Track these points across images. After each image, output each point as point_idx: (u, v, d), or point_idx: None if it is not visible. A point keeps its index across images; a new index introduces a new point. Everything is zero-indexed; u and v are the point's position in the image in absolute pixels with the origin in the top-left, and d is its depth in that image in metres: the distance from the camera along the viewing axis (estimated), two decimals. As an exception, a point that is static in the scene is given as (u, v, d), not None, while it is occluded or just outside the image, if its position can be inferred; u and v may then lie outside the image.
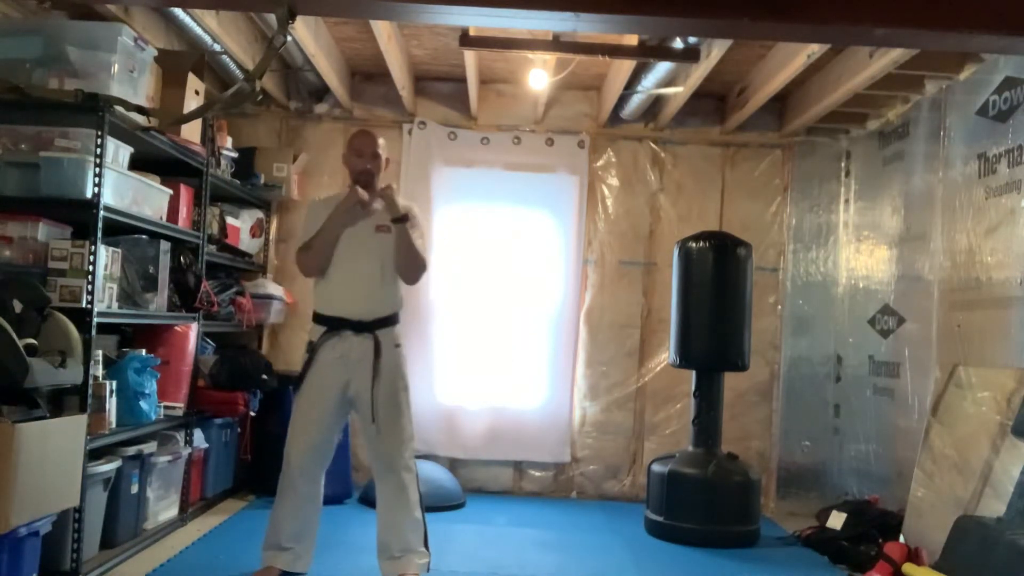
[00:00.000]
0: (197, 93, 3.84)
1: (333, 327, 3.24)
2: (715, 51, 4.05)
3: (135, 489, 3.58)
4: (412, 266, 3.28)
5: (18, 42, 3.27)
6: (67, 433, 2.87)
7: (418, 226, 3.34)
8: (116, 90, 3.21)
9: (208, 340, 4.45)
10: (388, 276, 3.29)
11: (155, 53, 3.54)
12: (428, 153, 5.26)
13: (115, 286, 3.38)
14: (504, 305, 5.26)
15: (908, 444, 4.14)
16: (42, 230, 3.15)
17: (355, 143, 3.34)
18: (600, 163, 5.35)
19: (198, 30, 3.87)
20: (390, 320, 3.29)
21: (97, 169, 3.13)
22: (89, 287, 3.11)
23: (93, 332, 3.11)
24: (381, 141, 3.34)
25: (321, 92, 5.23)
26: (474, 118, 5.33)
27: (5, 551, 2.62)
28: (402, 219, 3.21)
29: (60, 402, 3.06)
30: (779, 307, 5.32)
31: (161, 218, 3.77)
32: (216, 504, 4.46)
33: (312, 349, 3.24)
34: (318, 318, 3.29)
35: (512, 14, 2.51)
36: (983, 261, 3.72)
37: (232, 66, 4.44)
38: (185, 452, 4.01)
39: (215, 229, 4.45)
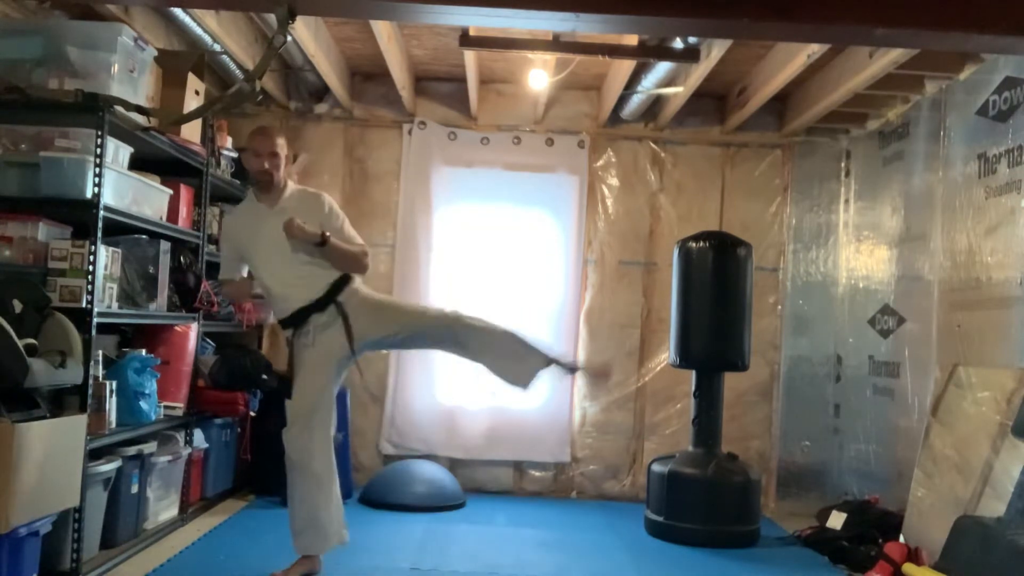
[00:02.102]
0: (197, 93, 3.84)
1: (300, 321, 3.32)
2: (715, 51, 4.05)
3: (135, 489, 3.58)
4: (354, 268, 3.37)
5: (18, 42, 3.27)
6: (67, 433, 2.88)
7: (336, 223, 3.36)
8: (116, 90, 3.21)
9: (208, 340, 4.45)
10: (319, 257, 3.31)
11: (155, 53, 3.54)
12: (428, 153, 5.26)
13: (115, 286, 3.38)
14: (504, 305, 5.25)
15: (908, 444, 4.14)
16: (42, 230, 3.15)
17: (252, 143, 3.33)
18: (600, 163, 5.35)
19: (198, 30, 3.87)
20: (342, 283, 3.33)
21: (97, 169, 3.13)
22: (89, 287, 3.11)
23: (93, 332, 3.11)
24: (280, 140, 3.34)
25: (321, 92, 5.23)
26: (474, 118, 5.33)
27: (5, 551, 2.62)
28: (322, 243, 3.24)
29: (60, 402, 3.07)
30: (779, 307, 5.32)
31: (161, 218, 3.77)
32: (216, 504, 4.46)
33: (290, 346, 3.38)
34: (282, 323, 3.38)
35: (512, 14, 2.51)
36: (983, 261, 3.72)
37: (232, 66, 4.44)
38: (185, 452, 4.01)
39: (215, 229, 4.45)
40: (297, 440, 3.34)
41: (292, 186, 3.43)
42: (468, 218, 5.30)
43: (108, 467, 3.30)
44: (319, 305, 3.30)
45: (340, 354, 3.34)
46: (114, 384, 3.36)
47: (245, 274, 3.49)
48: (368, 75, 5.24)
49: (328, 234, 3.25)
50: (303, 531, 3.31)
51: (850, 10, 2.42)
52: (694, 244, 4.44)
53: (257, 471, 4.78)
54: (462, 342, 3.39)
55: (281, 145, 3.34)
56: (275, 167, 3.30)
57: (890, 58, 3.73)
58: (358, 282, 3.40)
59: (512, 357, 3.36)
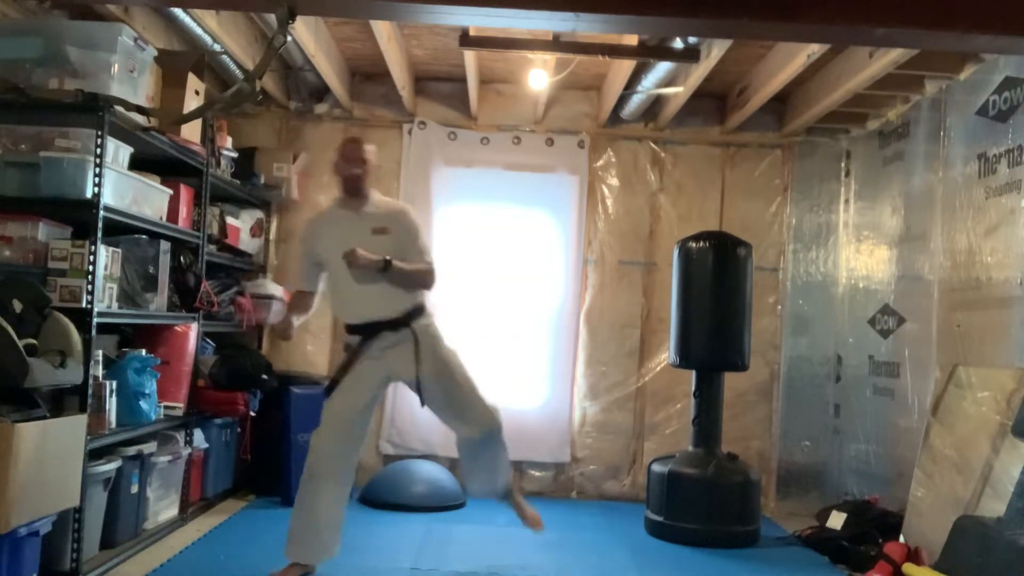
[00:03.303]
0: (197, 93, 3.84)
1: (371, 332, 3.36)
2: (715, 51, 4.05)
3: (135, 489, 3.58)
4: (419, 287, 3.47)
5: (18, 42, 3.27)
6: (67, 433, 2.88)
7: (414, 241, 3.45)
8: (116, 90, 3.21)
9: (208, 340, 4.45)
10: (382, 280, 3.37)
11: (155, 53, 3.54)
12: (428, 153, 5.26)
13: (115, 286, 3.38)
14: (504, 305, 5.26)
15: (908, 444, 4.14)
16: (42, 230, 3.15)
17: (344, 151, 3.43)
18: (600, 163, 5.35)
19: (198, 30, 3.87)
20: (419, 310, 3.43)
21: (97, 169, 3.13)
22: (89, 287, 3.11)
23: (93, 332, 3.11)
24: (371, 147, 3.44)
25: (321, 92, 5.23)
26: (474, 118, 5.33)
27: (5, 551, 2.62)
28: (386, 267, 3.29)
29: (60, 402, 3.07)
30: (779, 307, 5.32)
31: (161, 218, 3.77)
32: (216, 504, 4.46)
33: (352, 352, 3.36)
34: (351, 328, 3.41)
35: (512, 14, 2.51)
36: (983, 261, 3.72)
37: (232, 66, 4.44)
38: (185, 452, 4.01)
39: (215, 229, 4.45)
40: (325, 447, 3.31)
41: (377, 196, 3.51)
42: (468, 218, 5.30)
43: (108, 467, 3.30)
44: (394, 324, 3.36)
45: (394, 376, 3.42)
46: (114, 384, 3.36)
47: (320, 286, 3.51)
48: (368, 75, 5.24)
49: (390, 259, 3.28)
50: (299, 538, 3.28)
51: (850, 10, 2.42)
52: (694, 244, 4.44)
53: (257, 471, 4.78)
54: (474, 441, 3.51)
55: (371, 152, 3.44)
56: (365, 174, 3.40)
57: (890, 58, 3.73)
58: (432, 318, 3.49)
59: (490, 471, 3.57)
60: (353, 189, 3.42)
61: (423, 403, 3.41)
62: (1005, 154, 3.59)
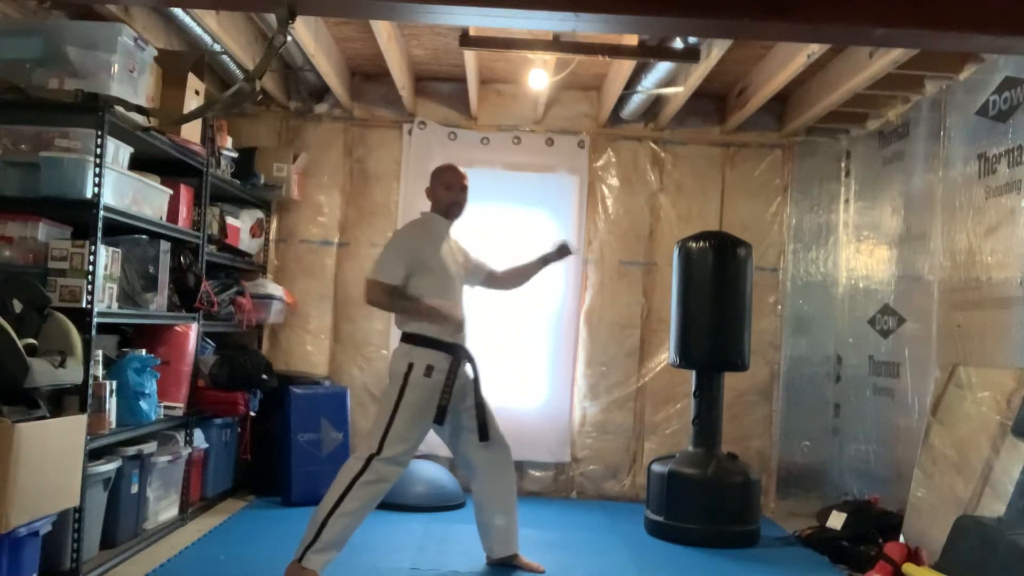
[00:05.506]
0: (197, 93, 3.84)
1: (459, 355, 3.44)
2: (715, 51, 4.05)
3: (135, 489, 3.58)
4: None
5: (18, 42, 3.27)
6: (67, 433, 2.88)
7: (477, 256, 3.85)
8: (116, 90, 3.21)
9: (208, 340, 4.45)
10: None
11: (155, 53, 3.54)
12: (428, 153, 5.26)
13: (115, 286, 3.38)
14: (504, 305, 5.25)
15: (908, 444, 4.14)
16: (42, 230, 3.15)
17: (445, 176, 3.59)
18: (600, 163, 5.35)
19: (198, 30, 3.87)
20: None
21: (97, 169, 3.13)
22: (89, 287, 3.11)
23: (93, 332, 3.11)
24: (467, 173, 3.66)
25: (321, 92, 5.23)
26: (474, 118, 5.33)
27: (5, 551, 2.62)
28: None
29: (60, 402, 3.07)
30: (779, 307, 5.32)
31: (161, 218, 3.77)
32: (216, 504, 4.46)
33: (451, 374, 3.37)
34: (440, 344, 3.40)
35: (512, 14, 2.51)
36: (983, 261, 3.72)
37: (232, 66, 4.44)
38: (185, 452, 4.01)
39: (215, 229, 4.45)
40: (395, 467, 3.39)
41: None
42: (468, 218, 5.27)
43: (108, 467, 3.30)
44: (467, 352, 3.51)
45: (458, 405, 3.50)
46: (114, 384, 3.37)
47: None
48: (368, 75, 5.24)
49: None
50: (329, 547, 3.25)
51: (850, 10, 2.42)
52: (694, 244, 4.44)
53: (257, 471, 4.78)
54: (506, 462, 3.62)
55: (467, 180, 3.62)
56: (465, 200, 3.61)
57: (890, 58, 3.73)
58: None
59: (505, 521, 3.58)
60: (453, 213, 3.59)
61: (484, 438, 3.53)
62: (1005, 154, 3.59)
